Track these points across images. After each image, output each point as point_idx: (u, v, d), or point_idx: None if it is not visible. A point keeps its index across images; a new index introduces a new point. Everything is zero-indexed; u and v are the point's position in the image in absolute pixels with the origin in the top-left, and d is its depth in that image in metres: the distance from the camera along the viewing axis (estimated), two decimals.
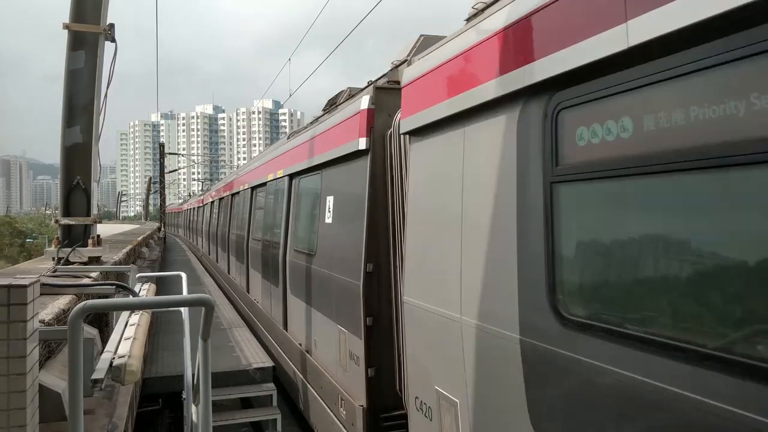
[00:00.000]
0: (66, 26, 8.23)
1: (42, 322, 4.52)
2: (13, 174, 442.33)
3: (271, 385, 8.95)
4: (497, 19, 3.76)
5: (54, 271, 7.10)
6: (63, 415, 4.13)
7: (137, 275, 7.47)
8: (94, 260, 8.33)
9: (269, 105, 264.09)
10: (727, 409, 2.14)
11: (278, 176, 10.80)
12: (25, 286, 3.36)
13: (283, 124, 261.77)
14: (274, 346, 10.52)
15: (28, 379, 3.35)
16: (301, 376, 8.44)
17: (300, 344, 8.60)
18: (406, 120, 5.16)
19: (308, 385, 8.02)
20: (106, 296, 5.81)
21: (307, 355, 8.12)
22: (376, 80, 6.72)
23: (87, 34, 8.31)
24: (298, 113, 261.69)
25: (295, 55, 21.03)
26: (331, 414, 6.94)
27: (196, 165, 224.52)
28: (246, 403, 9.41)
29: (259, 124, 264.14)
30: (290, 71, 24.59)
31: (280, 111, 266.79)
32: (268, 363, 9.35)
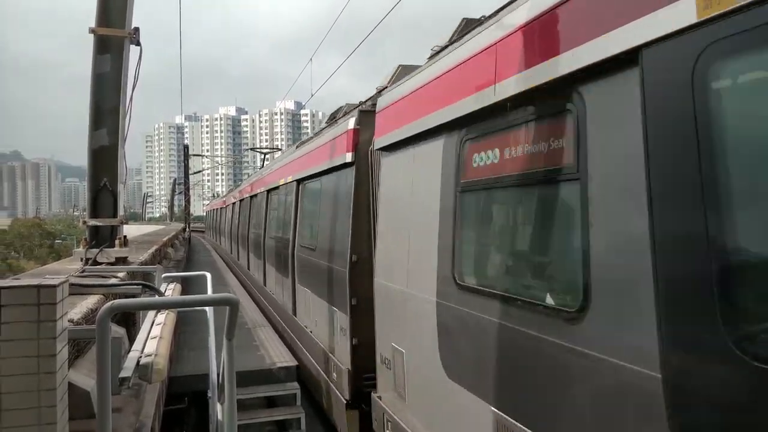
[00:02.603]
0: (92, 30, 8.34)
1: (71, 321, 4.59)
2: (42, 176, 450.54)
3: (295, 384, 9.00)
4: (434, 67, 5.13)
5: (82, 272, 7.21)
6: (92, 412, 4.19)
7: (163, 275, 7.55)
8: (121, 261, 8.44)
9: (291, 106, 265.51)
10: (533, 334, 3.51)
11: (288, 181, 12.29)
12: (54, 286, 3.41)
13: (305, 124, 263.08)
14: (286, 330, 11.70)
15: (57, 377, 3.41)
16: (307, 353, 9.77)
17: (305, 326, 9.87)
18: (378, 139, 6.57)
19: (311, 359, 9.49)
20: (133, 296, 5.88)
21: (310, 333, 9.50)
22: (363, 102, 8.15)
23: (112, 38, 8.41)
24: (320, 113, 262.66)
25: (316, 55, 21.10)
26: (325, 377, 8.39)
27: (219, 166, 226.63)
28: (270, 402, 9.47)
29: (281, 125, 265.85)
30: (311, 72, 24.68)
31: (302, 112, 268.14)
32: (292, 362, 9.41)
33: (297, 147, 12.69)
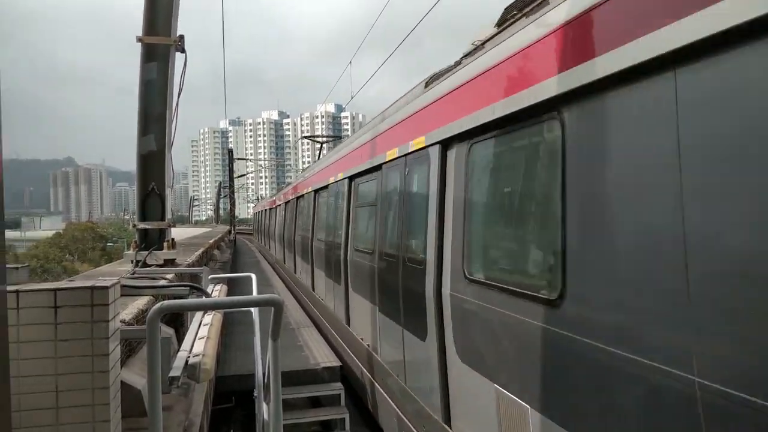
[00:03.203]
0: (139, 39, 8.58)
1: (123, 321, 4.71)
2: (94, 181, 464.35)
3: (339, 385, 9.04)
4: (408, 107, 6.67)
5: (133, 274, 7.39)
6: (143, 410, 4.29)
7: (209, 276, 7.69)
8: (169, 262, 8.63)
9: (331, 109, 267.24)
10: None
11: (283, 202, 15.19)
12: (106, 288, 3.51)
13: (345, 127, 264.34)
14: (336, 339, 10.84)
15: (110, 376, 3.50)
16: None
17: (362, 339, 8.91)
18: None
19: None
20: (181, 297, 6.00)
21: (371, 352, 8.38)
22: (305, 171, 11.37)
23: (159, 46, 8.63)
24: (360, 116, 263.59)
25: (355, 58, 21.19)
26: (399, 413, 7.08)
27: (263, 169, 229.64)
28: (315, 402, 9.54)
29: (322, 128, 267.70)
30: (351, 74, 24.74)
31: (342, 114, 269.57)
32: (336, 363, 9.45)
33: (307, 171, 13.22)
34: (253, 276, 8.35)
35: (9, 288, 3.12)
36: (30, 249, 78.38)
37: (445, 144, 5.54)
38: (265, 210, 36.89)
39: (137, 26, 8.67)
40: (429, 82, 6.37)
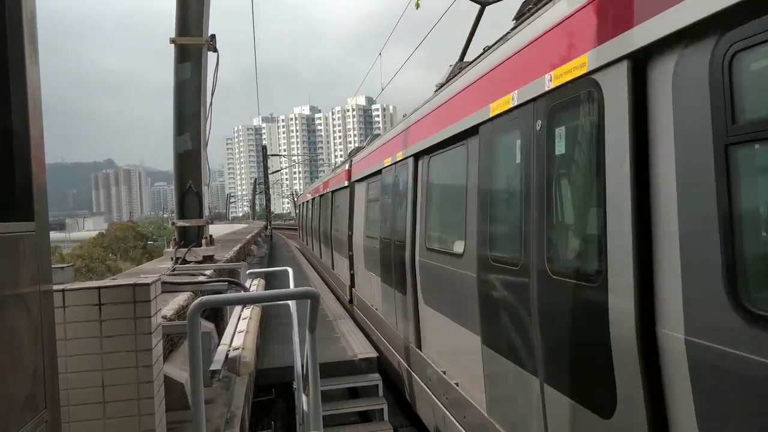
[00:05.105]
0: (172, 41, 8.68)
1: (164, 317, 4.81)
2: (134, 181, 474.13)
3: (376, 375, 9.07)
4: (394, 129, 9.12)
5: (173, 271, 7.53)
6: (186, 404, 4.38)
7: (247, 271, 7.78)
8: (208, 259, 8.76)
9: (362, 102, 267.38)
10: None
11: (326, 192, 16.95)
12: (148, 285, 3.58)
13: (376, 119, 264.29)
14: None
15: (154, 370, 3.58)
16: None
17: (338, 274, 13.82)
18: (353, 176, 12.56)
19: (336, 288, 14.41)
20: (220, 292, 6.09)
21: (338, 276, 14.34)
22: (358, 150, 14.02)
23: (191, 46, 8.72)
24: (391, 107, 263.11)
25: (385, 49, 21.12)
26: (342, 293, 12.30)
27: (297, 165, 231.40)
28: (352, 393, 9.61)
29: (353, 122, 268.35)
30: (381, 66, 24.65)
31: (373, 107, 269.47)
32: (373, 353, 9.49)
33: (333, 171, 14.32)
34: (290, 270, 8.43)
35: (55, 287, 3.20)
36: (75, 249, 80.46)
37: (416, 156, 7.58)
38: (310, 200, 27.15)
39: (171, 28, 8.78)
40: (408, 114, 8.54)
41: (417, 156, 7.58)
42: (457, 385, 5.98)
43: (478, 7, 7.20)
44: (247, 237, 21.22)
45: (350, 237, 13.08)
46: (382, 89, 23.25)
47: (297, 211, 45.86)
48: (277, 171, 74.67)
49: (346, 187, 13.97)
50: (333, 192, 16.82)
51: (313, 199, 24.17)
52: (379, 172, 10.01)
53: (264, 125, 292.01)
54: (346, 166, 14.26)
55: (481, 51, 5.77)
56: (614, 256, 3.15)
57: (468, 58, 7.07)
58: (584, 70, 3.41)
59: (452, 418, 6.00)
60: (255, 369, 8.15)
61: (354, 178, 12.93)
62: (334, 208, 16.22)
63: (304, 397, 6.20)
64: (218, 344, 4.21)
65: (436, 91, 7.27)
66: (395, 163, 8.77)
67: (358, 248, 12.20)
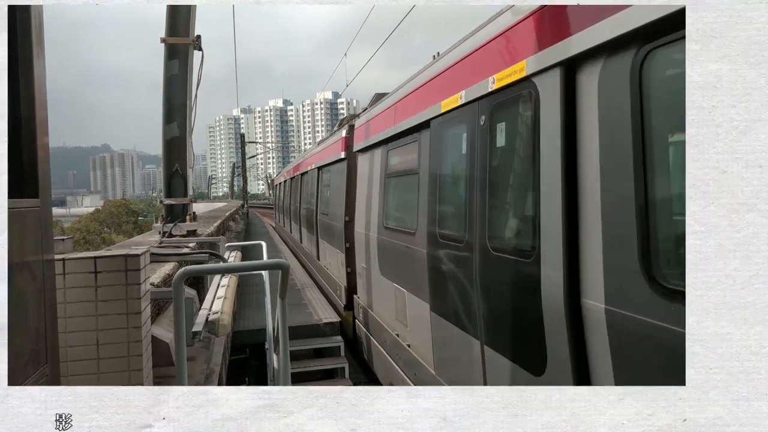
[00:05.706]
0: (163, 40, 8.48)
1: (152, 284, 4.76)
2: (127, 164, 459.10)
3: (339, 338, 9.13)
4: (370, 111, 8.04)
5: (160, 243, 7.42)
6: (171, 361, 4.37)
7: (226, 245, 7.72)
8: (192, 233, 8.64)
9: (329, 96, 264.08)
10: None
11: (310, 168, 13.92)
12: (138, 255, 3.55)
13: (341, 112, 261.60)
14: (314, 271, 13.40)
15: (143, 331, 3.56)
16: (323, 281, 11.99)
17: (325, 267, 11.85)
18: (356, 145, 8.87)
19: (324, 284, 11.92)
20: (202, 262, 6.05)
21: (326, 270, 11.70)
22: (353, 117, 10.41)
23: (179, 45, 8.53)
24: (354, 101, 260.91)
25: (350, 50, 20.99)
26: (335, 295, 10.46)
27: (270, 151, 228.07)
28: (318, 353, 9.66)
29: (321, 114, 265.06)
30: (346, 65, 24.52)
31: (339, 101, 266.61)
32: (336, 318, 9.54)
33: (318, 144, 13.74)
34: (263, 243, 8.40)
35: (56, 257, 3.15)
36: (74, 223, 77.79)
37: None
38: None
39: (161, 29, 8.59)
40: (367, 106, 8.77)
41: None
42: (409, 346, 5.98)
43: (429, 16, 7.34)
44: (226, 214, 20.92)
45: (347, 225, 9.40)
46: (347, 85, 23.13)
47: (272, 192, 42.82)
48: (254, 156, 73.53)
49: (340, 160, 10.09)
50: (320, 168, 12.78)
51: (292, 178, 19.71)
52: (417, 128, 5.69)
53: (242, 116, 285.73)
54: (343, 133, 9.96)
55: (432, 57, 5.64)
56: (546, 235, 3.22)
57: None
58: (523, 74, 3.48)
59: (404, 375, 6.14)
60: (232, 331, 8.12)
61: (357, 147, 8.81)
62: (322, 188, 12.81)
63: (274, 356, 6.23)
64: (199, 309, 4.21)
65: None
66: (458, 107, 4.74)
67: (362, 242, 8.31)
